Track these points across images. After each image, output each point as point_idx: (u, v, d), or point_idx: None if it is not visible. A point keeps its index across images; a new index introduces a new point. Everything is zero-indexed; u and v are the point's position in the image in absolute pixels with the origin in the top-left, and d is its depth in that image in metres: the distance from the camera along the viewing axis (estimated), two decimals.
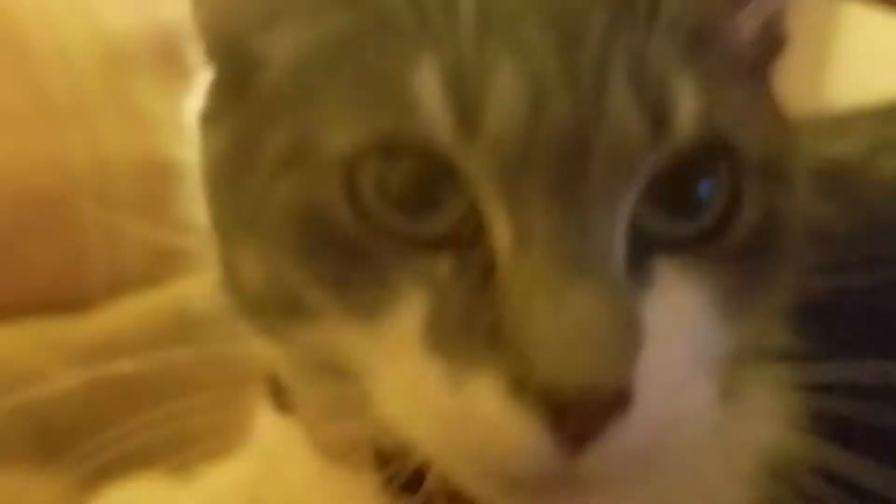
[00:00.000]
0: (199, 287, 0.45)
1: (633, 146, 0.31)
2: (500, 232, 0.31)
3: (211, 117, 0.39)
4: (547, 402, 0.28)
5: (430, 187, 0.31)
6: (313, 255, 0.32)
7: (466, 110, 0.30)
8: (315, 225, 0.32)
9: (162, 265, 0.75)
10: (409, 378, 0.31)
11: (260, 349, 0.40)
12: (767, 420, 0.39)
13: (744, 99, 0.34)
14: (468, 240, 0.31)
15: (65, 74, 0.79)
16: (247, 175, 0.35)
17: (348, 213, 0.32)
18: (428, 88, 0.30)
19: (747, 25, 0.37)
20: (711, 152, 0.33)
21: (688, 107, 0.31)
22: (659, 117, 0.31)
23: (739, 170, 0.33)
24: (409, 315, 0.31)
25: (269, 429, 0.50)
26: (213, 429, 0.57)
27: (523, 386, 0.28)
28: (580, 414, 0.28)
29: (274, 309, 0.35)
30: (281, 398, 0.44)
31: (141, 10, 0.89)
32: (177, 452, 0.57)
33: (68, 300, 0.74)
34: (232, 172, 0.37)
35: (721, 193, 0.33)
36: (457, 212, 0.31)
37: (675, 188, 0.32)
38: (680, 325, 0.31)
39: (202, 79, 0.41)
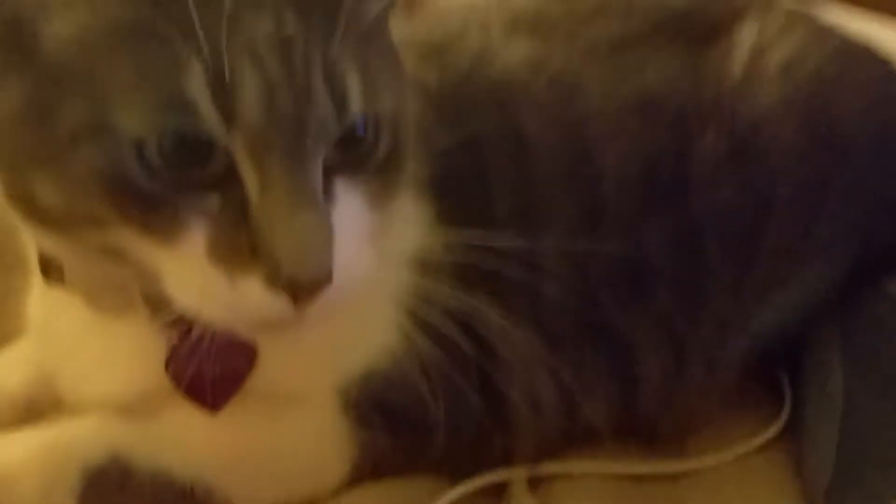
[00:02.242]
0: None
1: (328, 124, 0.47)
2: (251, 181, 0.45)
3: None
4: (289, 288, 0.45)
5: (198, 153, 0.44)
6: (118, 202, 0.44)
7: (226, 109, 0.44)
8: (117, 182, 0.44)
9: None
10: (196, 281, 0.46)
11: (40, 242, 0.54)
12: (407, 270, 0.60)
13: (381, 63, 0.51)
14: (226, 185, 0.45)
15: None
16: (45, 131, 0.45)
17: (141, 173, 0.44)
18: (200, 94, 0.43)
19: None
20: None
21: (356, 94, 0.48)
22: (340, 104, 0.47)
23: (382, 123, 0.50)
24: (195, 239, 0.45)
25: (38, 303, 0.63)
26: None
27: (274, 281, 0.45)
28: (308, 291, 0.46)
29: (72, 222, 0.47)
30: (51, 274, 0.57)
31: None
32: None
33: None
34: (27, 124, 0.46)
35: (367, 138, 0.50)
36: (218, 166, 0.45)
37: (346, 139, 0.48)
38: (351, 222, 0.48)
39: None
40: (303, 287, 0.45)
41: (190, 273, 0.45)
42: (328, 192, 0.47)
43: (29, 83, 0.45)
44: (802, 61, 0.69)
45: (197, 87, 0.43)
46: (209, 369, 0.52)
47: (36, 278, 0.63)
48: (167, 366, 0.56)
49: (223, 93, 0.44)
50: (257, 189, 0.45)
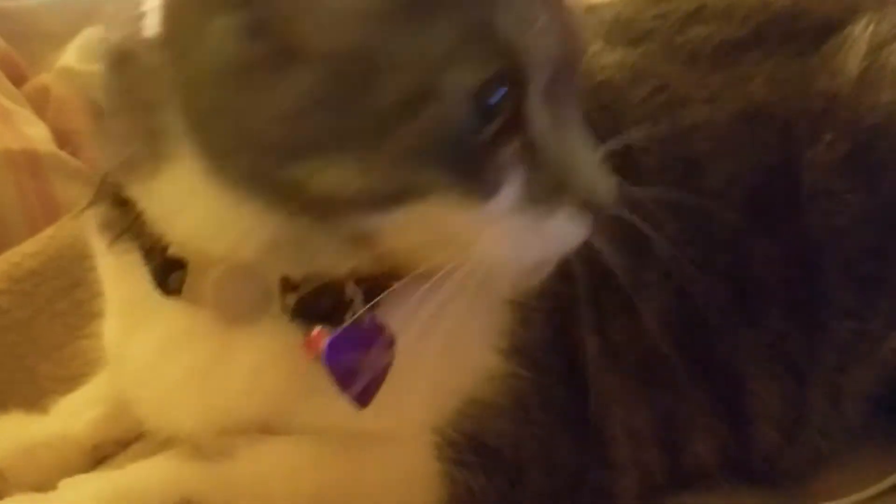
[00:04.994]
0: None
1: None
2: (541, 120, 0.47)
3: (259, 68, 0.45)
4: (597, 210, 0.48)
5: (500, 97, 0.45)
6: (450, 164, 0.45)
7: (536, 52, 0.46)
8: (450, 143, 0.45)
9: None
10: (512, 229, 0.47)
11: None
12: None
13: None
14: (517, 129, 0.46)
15: None
16: (355, 112, 0.44)
17: (470, 128, 0.45)
18: (515, 34, 0.45)
19: None
20: None
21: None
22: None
23: None
24: (509, 188, 0.47)
25: (116, 330, 0.60)
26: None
27: (586, 206, 0.48)
28: (605, 212, 0.49)
29: (351, 207, 0.46)
30: (168, 284, 0.54)
31: None
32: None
33: None
34: (325, 111, 0.44)
35: None
36: (510, 110, 0.46)
37: None
38: None
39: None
40: (607, 207, 0.49)
41: (504, 224, 0.47)
42: None
43: (314, 72, 0.44)
44: None
45: (508, 27, 0.45)
46: (362, 361, 0.50)
47: (110, 307, 0.61)
48: (322, 357, 0.52)
49: (528, 32, 0.45)
50: (549, 126, 0.47)
